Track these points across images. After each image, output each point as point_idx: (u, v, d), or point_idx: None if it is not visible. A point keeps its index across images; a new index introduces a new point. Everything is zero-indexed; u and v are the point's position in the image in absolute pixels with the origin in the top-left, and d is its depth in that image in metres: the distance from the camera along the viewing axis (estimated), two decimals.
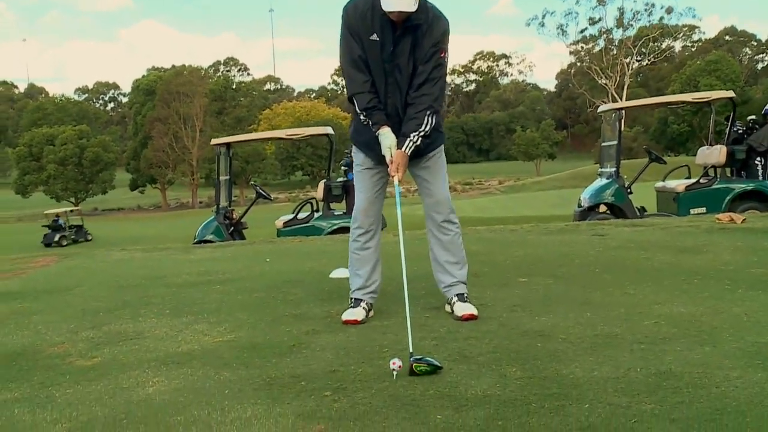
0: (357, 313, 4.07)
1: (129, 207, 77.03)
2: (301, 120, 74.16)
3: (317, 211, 12.74)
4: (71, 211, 49.81)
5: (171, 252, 8.30)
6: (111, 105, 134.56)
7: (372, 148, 3.99)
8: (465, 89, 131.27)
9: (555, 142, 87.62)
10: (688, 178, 13.05)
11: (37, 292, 5.73)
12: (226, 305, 4.74)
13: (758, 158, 12.20)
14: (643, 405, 2.58)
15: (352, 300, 4.17)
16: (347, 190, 12.00)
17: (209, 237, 12.43)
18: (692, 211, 11.81)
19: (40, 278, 6.62)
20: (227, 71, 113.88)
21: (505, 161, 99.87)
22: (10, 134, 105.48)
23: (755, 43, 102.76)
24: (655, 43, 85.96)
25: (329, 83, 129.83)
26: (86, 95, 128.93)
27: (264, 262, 6.72)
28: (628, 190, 12.59)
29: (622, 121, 13.50)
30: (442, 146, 4.19)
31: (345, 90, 4.17)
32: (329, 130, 13.62)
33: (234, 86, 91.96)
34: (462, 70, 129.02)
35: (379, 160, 4.00)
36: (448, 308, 4.14)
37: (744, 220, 7.86)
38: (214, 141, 13.88)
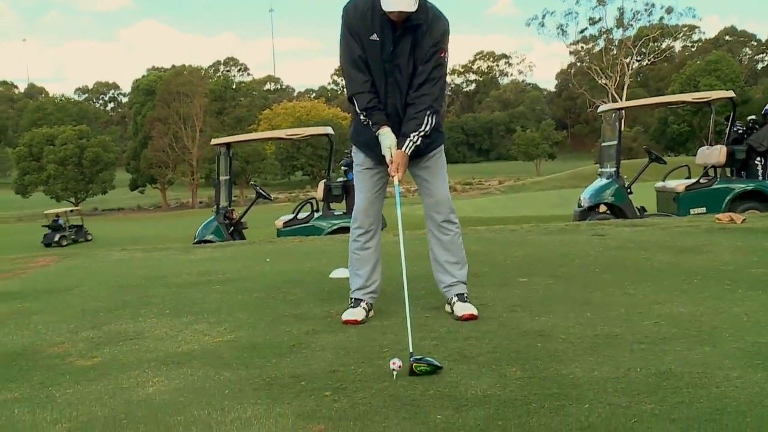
0: (357, 313, 4.07)
1: (129, 207, 77.03)
2: (301, 120, 74.15)
3: (317, 211, 12.74)
4: (71, 211, 49.83)
5: (171, 252, 8.30)
6: (111, 105, 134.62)
7: (372, 148, 3.99)
8: (465, 89, 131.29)
9: (555, 142, 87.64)
10: (688, 178, 13.05)
11: (37, 292, 5.73)
12: (226, 305, 4.74)
13: (758, 158, 12.20)
14: (643, 405, 2.58)
15: (352, 300, 4.17)
16: (347, 190, 12.00)
17: (209, 237, 12.43)
18: (692, 211, 11.81)
19: (40, 278, 6.62)
20: (227, 71, 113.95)
21: (505, 161, 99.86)
22: (10, 134, 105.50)
23: (755, 43, 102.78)
24: (655, 43, 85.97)
25: (329, 83, 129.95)
26: (86, 95, 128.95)
27: (264, 262, 6.72)
28: (628, 190, 12.59)
29: (622, 121, 13.50)
30: (442, 146, 4.19)
31: (345, 90, 4.17)
32: (329, 130, 13.61)
33: (234, 86, 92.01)
34: (462, 70, 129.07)
35: (379, 160, 4.00)
36: (448, 308, 4.14)
37: (744, 220, 7.86)
38: (214, 141, 13.88)
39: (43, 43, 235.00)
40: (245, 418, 2.66)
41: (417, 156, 3.98)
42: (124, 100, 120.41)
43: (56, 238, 41.25)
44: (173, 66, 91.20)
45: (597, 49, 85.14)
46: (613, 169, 12.78)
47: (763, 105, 13.59)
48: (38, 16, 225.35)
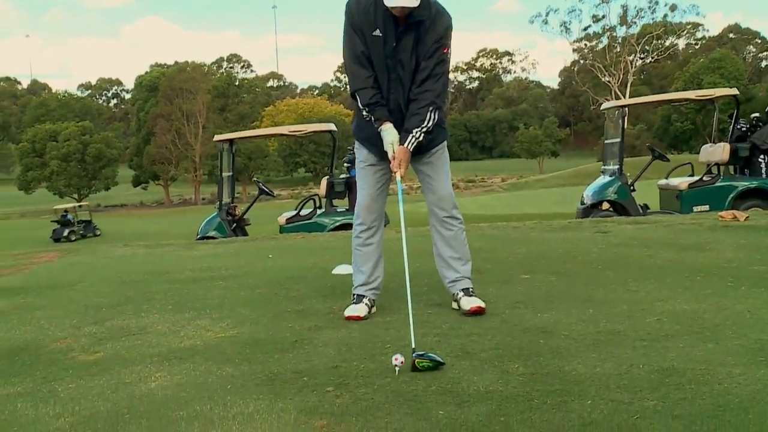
0: (359, 309, 4.07)
1: (132, 203, 77.03)
2: (303, 117, 74.07)
3: (320, 207, 12.75)
4: (80, 206, 50.04)
5: (174, 248, 8.31)
6: (114, 101, 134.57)
7: (374, 144, 3.99)
8: (468, 86, 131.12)
9: (558, 140, 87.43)
10: (692, 175, 13.03)
11: (40, 287, 5.74)
12: (228, 301, 4.74)
13: (761, 156, 12.19)
14: (645, 401, 2.58)
15: (355, 296, 4.18)
16: (350, 186, 12.01)
17: (212, 233, 12.46)
18: (695, 209, 11.80)
19: (43, 274, 6.63)
20: (230, 68, 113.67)
21: (508, 159, 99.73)
22: (13, 130, 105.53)
23: (759, 41, 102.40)
24: (659, 41, 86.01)
25: (332, 80, 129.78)
26: (89, 91, 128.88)
27: (266, 259, 6.73)
28: (631, 188, 12.59)
29: (626, 118, 13.52)
30: (445, 142, 4.18)
31: (348, 86, 4.16)
32: (332, 126, 13.60)
33: (237, 83, 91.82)
34: (465, 68, 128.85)
35: (381, 156, 4.00)
36: (454, 305, 4.13)
37: (747, 217, 7.84)
38: (217, 137, 13.89)
39: (47, 39, 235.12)
40: (247, 413, 2.66)
41: (419, 152, 3.98)
42: (127, 96, 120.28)
43: (65, 233, 41.62)
44: (176, 62, 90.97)
45: (600, 46, 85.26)
46: (616, 167, 12.78)
47: (767, 102, 13.57)
48: (41, 12, 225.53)
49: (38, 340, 3.98)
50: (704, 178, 12.56)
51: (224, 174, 13.32)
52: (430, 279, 4.70)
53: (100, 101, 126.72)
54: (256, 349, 3.52)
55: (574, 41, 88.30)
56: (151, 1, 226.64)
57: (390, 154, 3.86)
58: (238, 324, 4.07)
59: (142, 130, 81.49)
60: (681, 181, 12.66)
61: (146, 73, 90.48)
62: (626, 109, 13.79)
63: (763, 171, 12.16)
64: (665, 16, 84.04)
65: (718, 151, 12.41)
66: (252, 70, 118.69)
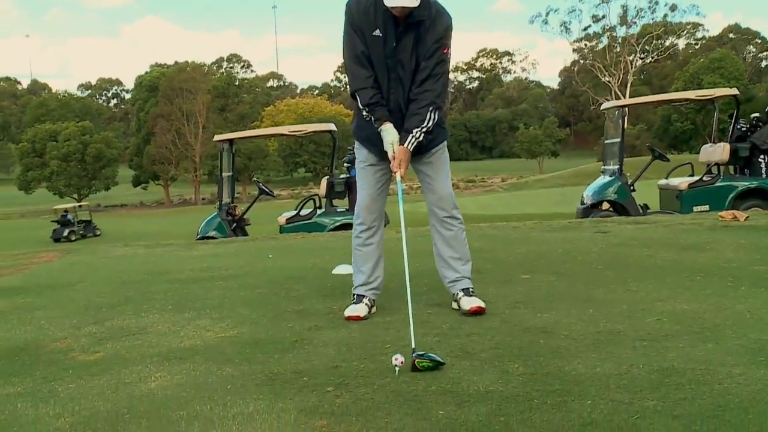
0: (359, 309, 4.07)
1: (132, 203, 77.02)
2: (303, 117, 74.06)
3: (320, 207, 12.75)
4: (80, 206, 50.08)
5: (174, 248, 8.31)
6: (114, 101, 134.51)
7: (374, 144, 3.99)
8: (468, 87, 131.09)
9: (558, 140, 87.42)
10: (692, 175, 13.03)
11: (40, 287, 5.74)
12: (228, 301, 4.74)
13: (762, 156, 12.18)
14: (645, 401, 2.58)
15: (355, 296, 4.18)
16: (350, 186, 12.02)
17: (212, 233, 12.46)
18: (695, 209, 11.80)
19: (42, 274, 6.63)
20: (230, 68, 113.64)
21: (508, 159, 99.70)
22: (13, 130, 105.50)
23: (759, 41, 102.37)
24: (659, 41, 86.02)
25: (332, 80, 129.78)
26: (89, 91, 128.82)
27: (266, 259, 6.72)
28: (631, 188, 12.59)
29: (626, 118, 13.51)
30: (445, 142, 4.18)
31: (348, 86, 4.16)
32: (332, 126, 13.59)
33: (237, 83, 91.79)
34: (465, 68, 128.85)
35: (381, 156, 4.00)
36: (454, 305, 4.12)
37: (747, 217, 7.84)
38: (217, 137, 13.90)
39: (47, 39, 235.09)
40: (247, 413, 2.66)
41: (419, 152, 3.98)
42: (127, 96, 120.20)
43: (65, 233, 41.72)
44: (176, 62, 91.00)
45: (600, 46, 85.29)
46: (616, 167, 12.78)
47: (767, 103, 13.57)
48: (42, 11, 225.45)
49: (38, 340, 3.97)
50: (704, 178, 12.56)
51: (224, 174, 13.32)
52: (430, 279, 4.70)
53: (100, 101, 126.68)
54: (256, 349, 3.52)
55: (574, 41, 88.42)
56: (151, 1, 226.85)
57: (390, 154, 3.86)
58: (238, 324, 4.07)
59: (142, 130, 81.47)
60: (681, 181, 12.66)
61: (146, 73, 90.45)
62: (626, 109, 13.79)
63: (763, 171, 12.16)
64: (665, 16, 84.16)
65: (718, 151, 12.41)
66: (252, 70, 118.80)
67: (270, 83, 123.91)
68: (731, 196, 12.05)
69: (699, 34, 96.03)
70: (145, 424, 2.62)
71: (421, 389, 2.83)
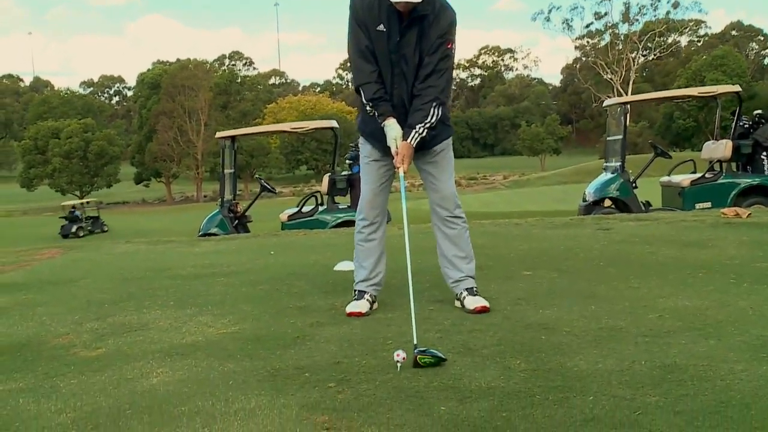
0: (361, 305, 4.07)
1: (134, 200, 77.10)
2: (305, 114, 74.04)
3: (321, 204, 12.75)
4: (87, 202, 50.25)
5: (176, 245, 8.32)
6: (116, 99, 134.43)
7: (378, 139, 3.99)
8: (470, 84, 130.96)
9: (560, 137, 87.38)
10: (694, 172, 13.01)
11: (42, 283, 5.75)
12: (230, 297, 4.74)
13: (764, 153, 12.15)
14: (647, 397, 2.58)
15: (356, 292, 4.18)
16: (352, 183, 12.01)
17: (214, 230, 12.47)
18: (697, 206, 11.77)
19: (45, 270, 6.64)
20: (232, 65, 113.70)
21: (510, 156, 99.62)
22: (15, 127, 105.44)
23: (762, 38, 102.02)
24: (661, 38, 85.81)
25: (334, 77, 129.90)
26: (91, 89, 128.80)
27: (268, 255, 6.73)
28: (633, 185, 12.57)
29: (628, 115, 13.48)
30: (450, 140, 4.17)
31: (351, 82, 4.16)
32: (334, 123, 13.57)
33: (239, 80, 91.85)
34: (467, 65, 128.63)
35: (385, 151, 3.99)
36: (458, 304, 4.12)
37: (749, 214, 7.83)
38: (218, 134, 13.90)
39: (49, 37, 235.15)
40: (249, 409, 2.66)
41: (423, 149, 3.97)
42: (129, 93, 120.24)
43: (73, 229, 42.07)
44: (178, 60, 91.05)
45: (602, 43, 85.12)
46: (619, 164, 12.76)
47: None
48: (44, 9, 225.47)
49: (40, 336, 3.98)
50: (706, 175, 12.54)
51: (226, 171, 13.32)
52: (432, 275, 4.70)
53: (103, 98, 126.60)
54: (258, 345, 3.52)
55: (576, 38, 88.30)
56: None
57: (393, 150, 3.85)
58: (240, 320, 4.07)
59: (144, 128, 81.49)
60: (683, 178, 12.63)
61: (148, 70, 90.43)
62: (628, 106, 13.75)
63: (766, 168, 12.13)
64: (668, 13, 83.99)
65: (720, 148, 12.38)
66: (254, 68, 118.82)
67: (272, 80, 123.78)
68: (733, 193, 12.02)
69: (701, 32, 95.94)
70: (147, 420, 2.62)
71: (422, 385, 2.83)
